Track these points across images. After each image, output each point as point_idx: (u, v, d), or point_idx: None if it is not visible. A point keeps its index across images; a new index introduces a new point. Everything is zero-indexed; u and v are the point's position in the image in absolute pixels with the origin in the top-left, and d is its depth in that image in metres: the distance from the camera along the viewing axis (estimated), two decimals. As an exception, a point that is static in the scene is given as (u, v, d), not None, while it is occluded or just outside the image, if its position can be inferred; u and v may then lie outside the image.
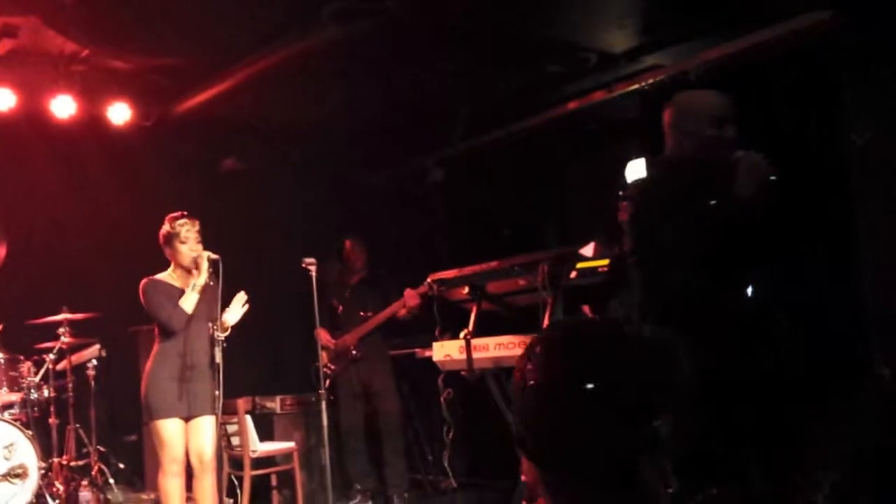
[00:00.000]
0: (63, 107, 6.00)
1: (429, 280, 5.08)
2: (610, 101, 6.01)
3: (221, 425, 4.90)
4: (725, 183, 3.07)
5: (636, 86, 5.79)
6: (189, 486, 4.52)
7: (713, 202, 3.09)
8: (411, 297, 5.71)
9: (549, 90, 6.34)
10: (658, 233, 3.11)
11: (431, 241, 7.05)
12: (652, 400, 1.33)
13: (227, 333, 4.54)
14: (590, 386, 1.27)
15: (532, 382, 1.32)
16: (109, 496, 5.30)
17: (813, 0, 4.61)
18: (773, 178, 3.03)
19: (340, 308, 6.23)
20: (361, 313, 6.11)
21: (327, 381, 5.93)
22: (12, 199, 6.34)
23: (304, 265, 4.70)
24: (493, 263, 4.61)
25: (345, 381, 6.11)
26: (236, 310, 4.53)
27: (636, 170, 5.85)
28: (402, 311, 5.83)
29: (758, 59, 5.04)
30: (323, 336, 5.78)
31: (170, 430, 4.36)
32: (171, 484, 4.39)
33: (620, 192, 4.74)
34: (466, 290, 4.74)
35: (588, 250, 4.90)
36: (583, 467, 1.28)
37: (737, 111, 3.20)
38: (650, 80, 5.72)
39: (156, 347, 4.50)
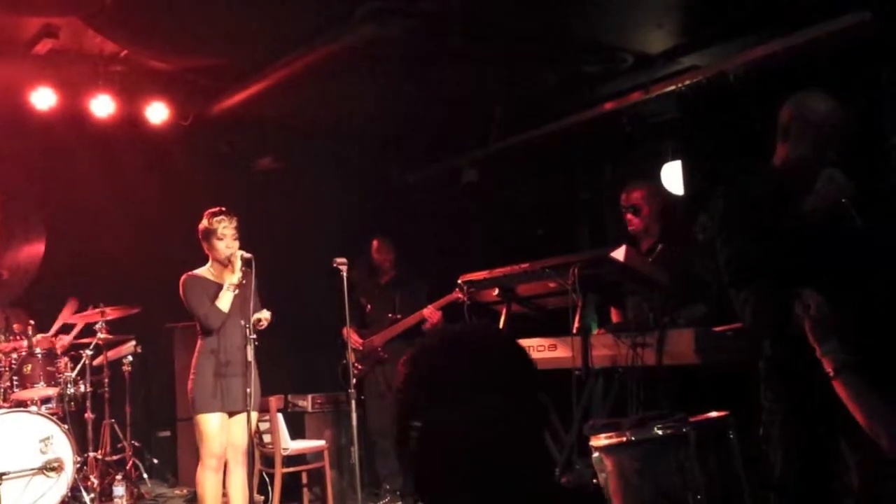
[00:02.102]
0: (102, 106, 6.10)
1: (459, 281, 5.07)
2: (646, 102, 5.94)
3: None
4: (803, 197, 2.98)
5: (673, 87, 5.72)
6: (223, 480, 4.56)
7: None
8: (432, 313, 5.75)
9: (585, 90, 6.29)
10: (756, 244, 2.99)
11: (464, 241, 7.03)
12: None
13: (260, 328, 4.58)
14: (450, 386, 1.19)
15: (398, 393, 1.26)
16: (143, 490, 5.36)
17: (852, 1, 4.50)
18: (843, 200, 2.93)
19: (369, 307, 6.26)
20: (390, 315, 6.12)
21: (355, 381, 5.95)
22: (52, 196, 6.46)
23: (335, 265, 4.71)
24: (524, 265, 4.56)
25: (371, 382, 6.14)
26: (261, 315, 4.57)
27: (671, 172, 5.82)
28: (426, 325, 5.86)
29: (797, 60, 4.94)
30: (352, 336, 5.81)
31: (211, 424, 4.43)
32: (209, 478, 4.44)
33: (626, 205, 4.69)
34: (497, 291, 4.71)
35: (619, 254, 4.84)
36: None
37: (847, 131, 3.06)
38: (687, 81, 5.64)
39: (199, 344, 4.56)
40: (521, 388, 1.23)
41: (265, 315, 4.55)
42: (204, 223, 4.56)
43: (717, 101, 5.49)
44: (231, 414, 4.48)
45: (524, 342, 4.36)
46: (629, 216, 4.66)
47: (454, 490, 1.16)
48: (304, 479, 6.01)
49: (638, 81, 5.94)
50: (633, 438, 3.49)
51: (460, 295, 5.31)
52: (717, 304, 4.29)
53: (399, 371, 1.25)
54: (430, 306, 5.81)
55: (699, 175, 5.67)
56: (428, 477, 1.18)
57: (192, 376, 4.51)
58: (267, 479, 5.68)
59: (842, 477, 2.99)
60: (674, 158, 5.84)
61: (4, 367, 5.13)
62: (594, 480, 3.70)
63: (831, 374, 2.35)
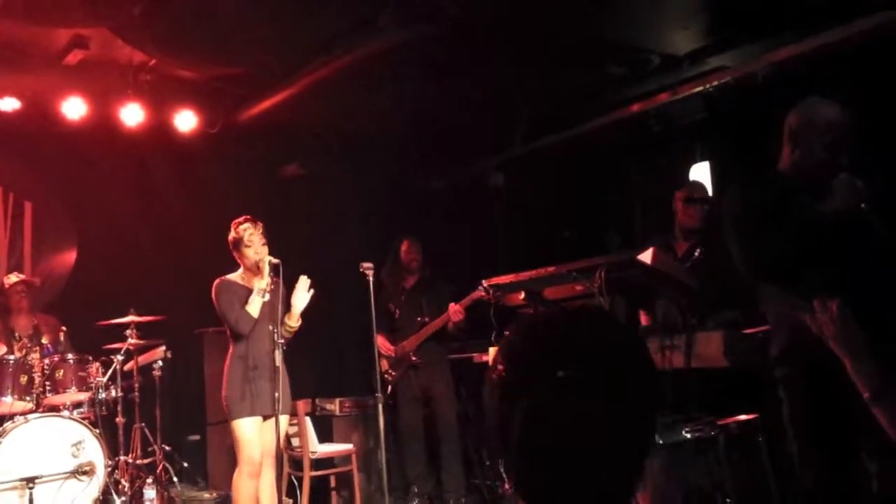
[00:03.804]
0: (132, 115, 6.18)
1: (485, 284, 5.06)
2: (673, 104, 5.90)
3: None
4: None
5: (700, 88, 5.68)
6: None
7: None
8: (456, 312, 5.77)
9: (611, 92, 6.26)
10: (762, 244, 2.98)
11: (490, 245, 7.02)
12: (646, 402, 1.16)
13: (298, 324, 4.62)
14: (561, 373, 1.10)
15: (499, 371, 1.17)
16: (173, 493, 5.41)
17: (882, 0, 4.44)
18: (863, 205, 2.91)
19: (397, 312, 6.26)
20: (418, 318, 6.13)
21: (389, 388, 5.97)
22: (83, 204, 6.56)
23: (361, 270, 4.73)
24: (550, 269, 4.53)
25: (404, 386, 6.14)
26: (302, 295, 4.59)
27: (699, 174, 5.78)
28: (450, 325, 5.86)
29: (825, 60, 4.89)
30: (382, 343, 5.81)
31: (247, 429, 4.45)
32: (245, 483, 4.46)
33: (698, 197, 4.68)
34: (523, 295, 4.69)
35: (647, 256, 4.80)
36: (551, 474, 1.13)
37: (854, 136, 3.06)
38: (714, 83, 5.60)
39: (230, 350, 4.60)
40: (630, 370, 1.17)
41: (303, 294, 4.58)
42: (231, 233, 4.62)
43: (746, 102, 5.44)
44: (264, 418, 4.50)
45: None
46: (699, 208, 4.64)
47: (558, 472, 1.12)
48: (333, 483, 6.03)
49: (665, 83, 5.91)
50: (660, 441, 3.47)
51: (482, 293, 5.32)
52: (749, 310, 4.26)
53: (501, 349, 1.20)
54: (454, 305, 5.82)
55: (728, 177, 5.63)
56: (531, 459, 1.13)
57: (224, 382, 4.55)
58: (296, 483, 5.71)
59: (864, 486, 2.96)
60: (702, 160, 5.80)
61: (37, 372, 5.20)
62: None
63: (867, 397, 2.30)
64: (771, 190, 3.08)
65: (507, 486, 5.07)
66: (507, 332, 1.20)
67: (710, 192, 4.81)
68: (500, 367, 1.18)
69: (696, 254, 4.56)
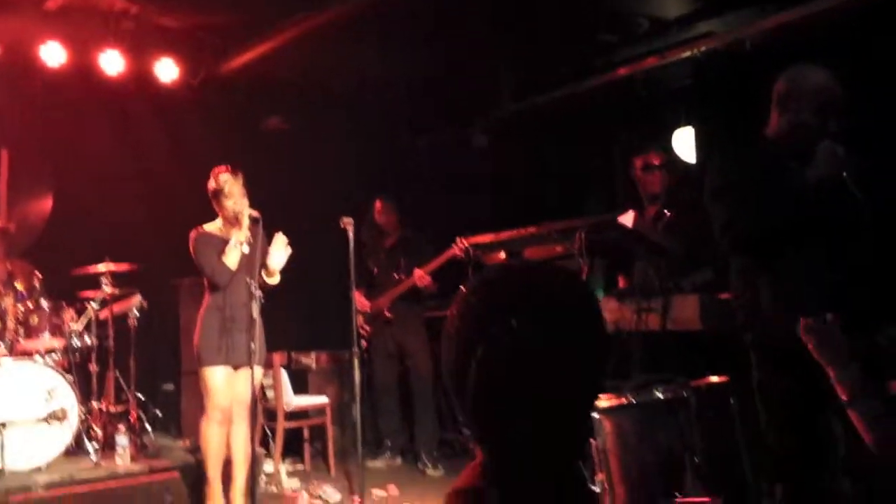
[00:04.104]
0: (111, 63, 6.08)
1: (459, 243, 5.07)
2: (661, 68, 5.87)
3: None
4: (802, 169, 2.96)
5: (688, 53, 5.65)
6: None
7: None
8: (420, 277, 5.78)
9: (599, 55, 6.22)
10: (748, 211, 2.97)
11: (472, 205, 7.00)
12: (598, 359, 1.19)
13: (276, 280, 4.60)
14: (515, 325, 1.13)
15: (455, 323, 1.19)
16: (146, 441, 5.41)
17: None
18: (844, 174, 2.90)
19: (376, 270, 6.27)
20: (395, 276, 6.13)
21: (363, 343, 5.99)
22: (61, 151, 6.46)
23: (342, 224, 4.70)
24: (531, 229, 4.56)
25: (379, 342, 6.18)
26: (278, 253, 4.56)
27: (683, 138, 5.76)
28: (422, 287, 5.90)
29: (814, 28, 4.86)
30: (358, 299, 5.81)
31: (216, 378, 4.46)
32: (213, 431, 4.48)
33: (655, 164, 4.69)
34: (503, 255, 4.70)
35: (627, 219, 4.82)
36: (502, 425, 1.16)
37: (844, 102, 3.02)
38: (703, 48, 5.57)
39: (205, 299, 4.58)
40: (583, 320, 1.20)
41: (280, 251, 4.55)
42: (211, 183, 4.58)
43: (733, 69, 5.42)
44: (236, 368, 4.50)
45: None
46: (658, 174, 4.65)
47: (511, 418, 1.15)
48: (306, 435, 6.07)
49: (653, 47, 5.87)
50: (633, 401, 3.49)
51: (456, 251, 5.32)
52: (723, 268, 4.29)
53: (456, 301, 1.22)
54: (419, 270, 5.83)
55: (711, 142, 5.62)
56: (486, 406, 1.16)
57: (197, 331, 4.54)
58: (269, 434, 5.74)
59: (830, 448, 3.00)
60: (686, 125, 5.79)
61: (11, 317, 5.15)
62: (592, 440, 3.71)
63: (845, 401, 2.31)
64: (752, 159, 3.08)
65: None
66: (462, 287, 1.22)
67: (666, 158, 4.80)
68: (456, 319, 1.20)
69: (667, 216, 4.59)
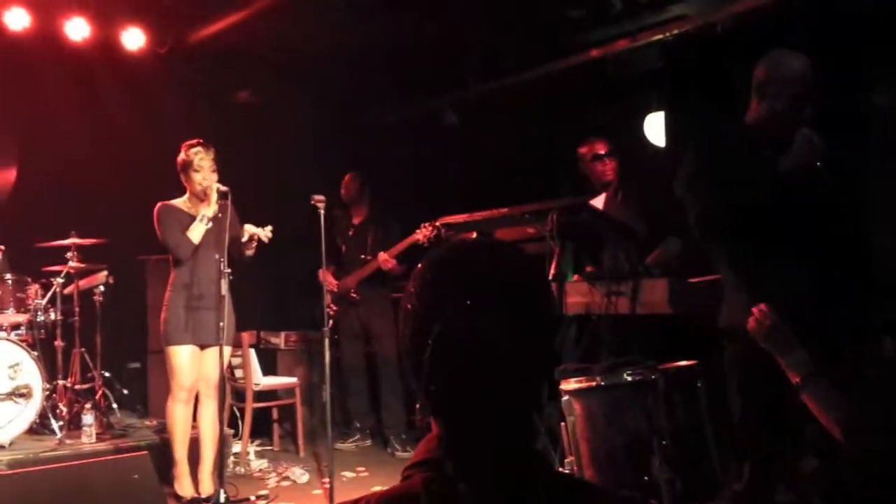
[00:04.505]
0: (77, 29, 5.93)
1: (428, 225, 5.06)
2: (633, 51, 5.87)
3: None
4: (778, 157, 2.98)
5: (660, 36, 5.65)
6: (193, 413, 4.57)
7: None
8: (385, 261, 5.78)
9: (571, 36, 6.20)
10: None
11: (441, 184, 6.99)
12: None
13: (252, 250, 4.56)
14: (467, 303, 1.16)
15: (412, 301, 1.22)
16: (112, 420, 5.36)
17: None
18: (818, 164, 2.93)
19: (344, 248, 6.24)
20: (363, 256, 6.10)
21: (330, 322, 5.96)
22: (25, 120, 6.31)
23: (313, 202, 4.66)
24: (503, 210, 4.55)
25: (346, 323, 6.15)
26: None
27: (654, 122, 5.79)
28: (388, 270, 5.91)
29: (786, 12, 4.90)
30: (327, 278, 5.78)
31: (181, 356, 4.43)
32: (179, 410, 4.46)
33: (603, 153, 4.75)
34: (475, 235, 4.70)
35: (599, 201, 4.86)
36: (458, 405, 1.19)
37: (818, 89, 3.03)
38: (675, 31, 5.58)
39: (171, 276, 4.53)
40: (536, 299, 1.24)
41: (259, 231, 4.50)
42: (181, 155, 4.52)
43: (704, 52, 5.45)
44: (203, 347, 4.47)
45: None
46: (603, 164, 4.73)
47: (467, 396, 1.18)
48: (275, 415, 6.06)
49: (625, 29, 5.87)
50: (602, 383, 3.53)
51: (419, 237, 5.34)
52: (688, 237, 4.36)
53: (413, 279, 1.24)
54: (383, 254, 5.82)
55: (682, 127, 5.66)
56: (442, 384, 1.19)
57: (164, 308, 4.50)
58: (238, 414, 5.71)
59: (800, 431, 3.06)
60: (658, 109, 5.81)
61: (-27, 292, 5.06)
62: (562, 423, 3.75)
63: (797, 384, 2.38)
64: (728, 146, 3.10)
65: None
66: (419, 265, 1.25)
67: (663, 141, 4.85)
68: (413, 297, 1.23)
69: (619, 198, 4.66)
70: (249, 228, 4.53)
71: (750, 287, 3.00)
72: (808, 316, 2.71)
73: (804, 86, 2.98)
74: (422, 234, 5.57)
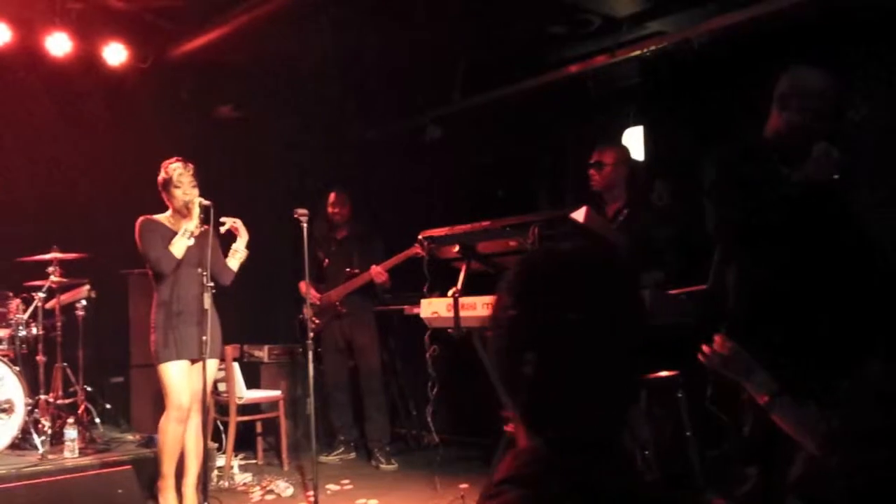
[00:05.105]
0: (58, 44, 5.94)
1: (420, 237, 5.08)
2: (611, 66, 5.97)
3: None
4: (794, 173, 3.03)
5: (638, 52, 5.75)
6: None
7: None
8: (378, 274, 5.81)
9: (549, 52, 6.29)
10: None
11: (423, 199, 7.04)
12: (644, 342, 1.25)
13: (235, 266, 4.63)
14: (574, 316, 1.17)
15: (508, 311, 1.22)
16: (95, 435, 5.34)
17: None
18: (835, 176, 2.98)
19: (327, 261, 6.25)
20: (347, 269, 6.12)
21: (311, 335, 5.98)
22: (5, 134, 6.29)
23: (296, 216, 4.69)
24: (485, 223, 4.59)
25: (329, 336, 6.16)
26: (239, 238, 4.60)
27: (632, 137, 5.88)
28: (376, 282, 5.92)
29: (761, 29, 5.01)
30: (309, 291, 5.80)
31: (173, 374, 4.40)
32: (172, 428, 4.42)
33: (591, 160, 4.78)
34: (457, 248, 4.74)
35: (579, 215, 4.89)
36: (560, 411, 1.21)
37: (840, 103, 3.10)
38: (652, 47, 5.68)
39: (155, 295, 4.52)
40: (635, 306, 1.25)
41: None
42: (161, 174, 4.54)
43: (680, 68, 5.55)
44: (193, 362, 4.47)
45: (481, 300, 4.44)
46: (591, 171, 4.73)
47: (570, 407, 1.18)
48: (259, 429, 6.05)
49: (603, 45, 5.96)
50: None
51: (419, 250, 5.35)
52: (673, 270, 4.41)
53: (507, 293, 1.24)
54: (377, 267, 5.86)
55: (659, 141, 5.75)
56: (547, 398, 1.19)
57: (151, 329, 4.48)
58: (221, 428, 5.71)
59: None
60: (635, 124, 5.91)
61: (-46, 307, 5.04)
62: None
63: (765, 405, 2.42)
64: (743, 157, 3.17)
65: (433, 437, 5.18)
66: (510, 271, 1.26)
67: (617, 155, 4.85)
68: (510, 311, 1.22)
69: (622, 216, 4.67)
70: (227, 220, 4.58)
71: (745, 298, 3.05)
72: (810, 330, 2.78)
73: (824, 101, 3.03)
74: (421, 247, 5.59)
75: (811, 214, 2.98)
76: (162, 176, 4.53)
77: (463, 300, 4.50)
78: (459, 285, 4.60)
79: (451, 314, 4.50)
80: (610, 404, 1.21)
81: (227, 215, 4.61)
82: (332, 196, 6.27)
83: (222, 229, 4.57)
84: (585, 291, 1.21)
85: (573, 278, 1.23)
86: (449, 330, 4.60)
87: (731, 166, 3.14)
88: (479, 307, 4.44)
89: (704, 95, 5.40)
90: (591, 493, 1.14)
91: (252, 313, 6.67)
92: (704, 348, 2.56)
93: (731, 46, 5.18)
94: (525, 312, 1.21)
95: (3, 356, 5.02)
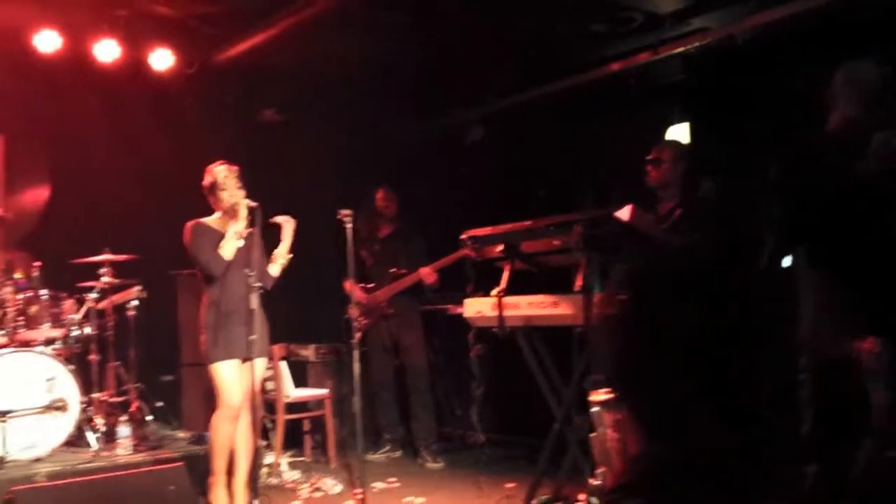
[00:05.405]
0: (107, 51, 6.07)
1: (467, 241, 5.12)
2: (654, 64, 5.94)
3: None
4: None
5: (681, 48, 5.72)
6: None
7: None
8: (427, 275, 5.85)
9: (592, 50, 6.27)
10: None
11: (468, 197, 7.06)
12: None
13: (277, 271, 4.69)
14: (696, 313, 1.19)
15: (620, 301, 1.24)
16: (147, 432, 5.45)
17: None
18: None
19: (370, 260, 6.30)
20: (393, 270, 6.17)
21: (358, 335, 6.04)
22: (57, 140, 6.46)
23: (339, 216, 4.73)
24: (528, 222, 4.60)
25: (375, 336, 6.21)
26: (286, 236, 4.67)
27: (676, 135, 5.84)
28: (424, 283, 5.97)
29: (804, 24, 4.95)
30: (355, 291, 5.86)
31: (224, 373, 4.45)
32: (224, 426, 4.47)
33: (649, 156, 4.75)
34: (500, 248, 4.75)
35: (624, 213, 4.88)
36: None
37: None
38: (696, 44, 5.64)
39: (204, 296, 4.60)
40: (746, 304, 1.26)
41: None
42: (206, 178, 4.61)
43: (725, 65, 5.50)
44: (244, 361, 4.53)
45: (525, 299, 4.45)
46: (649, 167, 4.69)
47: (697, 416, 1.20)
48: (306, 427, 6.13)
49: (646, 42, 5.93)
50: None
51: (469, 252, 5.36)
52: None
53: (631, 293, 1.26)
54: (427, 268, 5.90)
55: (704, 138, 5.70)
56: (668, 406, 1.21)
57: (201, 329, 4.56)
58: (269, 426, 5.79)
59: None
60: (679, 121, 5.87)
61: (10, 307, 5.17)
62: (591, 434, 3.80)
63: None
64: (807, 153, 3.18)
65: (479, 436, 5.20)
66: (623, 266, 1.28)
67: (674, 153, 4.80)
68: (621, 296, 1.25)
69: (675, 215, 4.61)
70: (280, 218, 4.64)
71: (837, 303, 3.04)
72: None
73: (878, 92, 3.07)
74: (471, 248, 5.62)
75: (882, 202, 2.97)
76: (207, 179, 4.60)
77: (507, 299, 4.52)
78: (503, 284, 4.62)
79: (496, 313, 4.53)
80: (733, 404, 1.22)
81: (272, 217, 4.66)
82: (381, 192, 6.33)
83: (277, 219, 4.62)
84: (701, 293, 1.23)
85: (694, 276, 1.24)
86: (493, 329, 4.63)
87: (800, 161, 3.15)
88: (522, 306, 4.46)
89: (749, 92, 5.35)
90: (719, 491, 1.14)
91: (296, 313, 6.75)
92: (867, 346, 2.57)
93: (775, 42, 5.12)
94: (635, 301, 1.23)
95: (58, 355, 5.14)
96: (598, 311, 1.29)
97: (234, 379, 4.49)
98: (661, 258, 1.39)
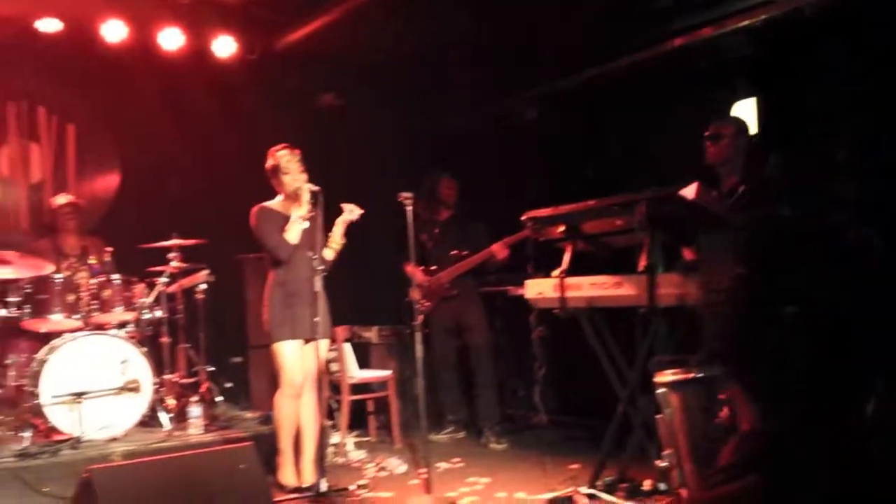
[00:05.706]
0: (171, 39, 6.20)
1: (524, 217, 5.09)
2: (718, 38, 5.79)
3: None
4: None
5: (747, 22, 5.56)
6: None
7: None
8: (500, 250, 5.83)
9: (654, 25, 6.15)
10: None
11: (526, 179, 7.02)
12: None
13: (331, 255, 4.72)
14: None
15: (741, 272, 1.20)
16: (217, 412, 5.58)
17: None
18: None
19: (430, 244, 6.32)
20: (453, 252, 6.19)
21: (420, 317, 6.07)
22: (124, 127, 6.62)
23: (400, 199, 4.74)
24: (590, 202, 4.54)
25: (437, 317, 6.23)
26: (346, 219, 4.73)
27: (743, 111, 5.70)
28: (491, 261, 5.95)
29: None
30: (417, 273, 5.88)
31: (287, 352, 4.57)
32: (286, 404, 4.61)
33: (707, 133, 4.63)
34: (562, 228, 4.71)
35: (690, 191, 4.78)
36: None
37: None
38: (762, 17, 5.48)
39: (270, 276, 4.69)
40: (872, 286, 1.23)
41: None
42: (269, 161, 4.68)
43: (792, 38, 5.34)
44: (306, 341, 4.62)
45: (587, 279, 4.41)
46: (707, 144, 4.59)
47: (815, 392, 1.17)
48: (371, 408, 6.21)
49: (710, 16, 5.79)
50: (699, 374, 3.53)
51: (530, 233, 5.33)
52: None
53: (747, 250, 1.24)
54: (498, 244, 5.89)
55: (772, 114, 5.55)
56: (786, 379, 1.18)
57: (265, 308, 4.65)
58: (334, 406, 5.88)
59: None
60: (746, 96, 5.72)
61: (84, 291, 5.34)
62: (658, 416, 3.76)
63: None
64: None
65: (542, 417, 5.20)
66: (748, 234, 1.25)
67: (734, 127, 4.67)
68: (741, 269, 1.23)
69: (740, 192, 4.51)
70: (347, 207, 4.70)
71: None
72: None
73: None
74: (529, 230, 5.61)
75: None
76: (270, 163, 4.67)
77: (568, 280, 4.49)
78: (565, 265, 4.59)
79: (557, 294, 4.50)
80: (850, 379, 1.18)
81: (332, 201, 4.70)
82: (445, 181, 6.35)
83: (346, 207, 4.68)
84: (834, 260, 1.19)
85: (818, 246, 1.20)
86: (554, 310, 4.60)
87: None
88: (584, 287, 4.42)
89: (816, 65, 5.19)
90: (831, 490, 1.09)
91: (356, 296, 6.82)
92: None
93: (842, 14, 4.95)
94: (758, 273, 1.19)
95: (131, 338, 5.29)
96: (704, 286, 1.26)
97: (295, 358, 4.57)
98: (779, 230, 1.34)
